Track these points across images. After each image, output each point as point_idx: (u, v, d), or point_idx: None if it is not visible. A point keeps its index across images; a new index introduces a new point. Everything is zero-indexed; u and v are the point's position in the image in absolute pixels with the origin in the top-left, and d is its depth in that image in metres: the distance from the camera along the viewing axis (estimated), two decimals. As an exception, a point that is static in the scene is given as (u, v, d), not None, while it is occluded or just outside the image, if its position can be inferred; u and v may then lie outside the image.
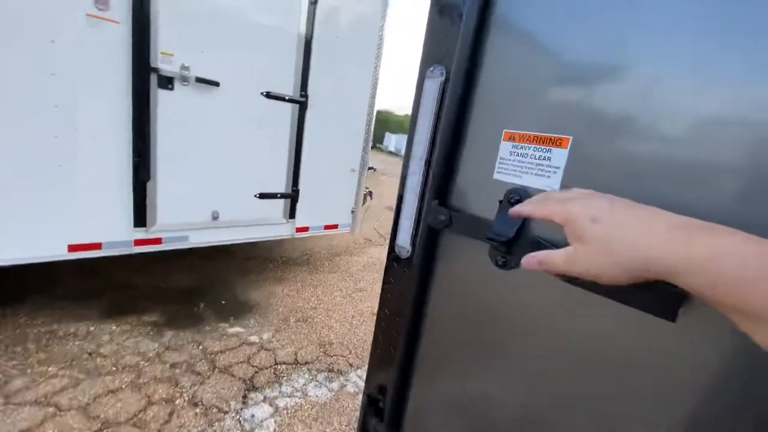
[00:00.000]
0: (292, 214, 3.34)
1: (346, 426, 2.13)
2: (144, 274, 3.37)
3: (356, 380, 2.52)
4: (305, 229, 3.46)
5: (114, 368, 2.25)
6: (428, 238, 0.80)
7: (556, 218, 0.42)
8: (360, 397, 2.35)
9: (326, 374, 2.52)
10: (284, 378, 2.42)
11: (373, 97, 3.57)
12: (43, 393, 1.98)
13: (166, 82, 2.39)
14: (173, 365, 2.36)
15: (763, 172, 0.42)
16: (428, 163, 0.81)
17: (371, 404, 0.97)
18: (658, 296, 0.47)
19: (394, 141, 42.94)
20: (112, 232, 2.41)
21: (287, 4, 2.85)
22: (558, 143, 0.59)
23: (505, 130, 0.66)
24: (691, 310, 0.45)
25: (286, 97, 3.00)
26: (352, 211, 3.94)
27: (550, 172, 0.61)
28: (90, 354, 2.33)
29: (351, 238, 5.40)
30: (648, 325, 0.50)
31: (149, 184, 2.48)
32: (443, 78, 0.77)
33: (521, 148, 0.64)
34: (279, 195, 3.21)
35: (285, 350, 2.70)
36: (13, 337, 2.34)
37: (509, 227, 0.64)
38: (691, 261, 0.29)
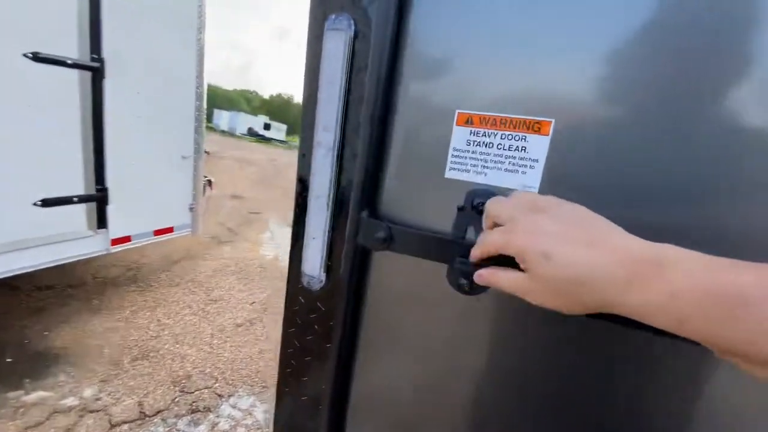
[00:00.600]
0: (102, 222, 2.47)
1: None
2: None
3: (230, 412, 2.11)
4: (126, 239, 2.64)
5: None
6: (356, 262, 0.57)
7: (508, 252, 0.36)
8: (240, 430, 1.98)
9: (189, 418, 2.01)
10: (128, 442, 1.82)
11: (200, 66, 2.91)
12: None
13: None
14: None
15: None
16: (339, 157, 0.57)
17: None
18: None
19: (227, 119, 38.58)
20: None
21: None
22: (536, 128, 0.45)
23: (458, 111, 0.48)
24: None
25: (69, 61, 2.11)
26: (191, 208, 3.24)
27: (525, 166, 0.47)
28: None
29: (192, 240, 4.54)
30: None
31: None
32: (351, 32, 0.53)
33: (483, 135, 0.48)
34: (76, 199, 2.31)
35: (123, 404, 2.03)
36: None
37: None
38: (653, 303, 0.28)
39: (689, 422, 0.46)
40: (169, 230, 2.94)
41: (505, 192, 0.47)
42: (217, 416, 2.07)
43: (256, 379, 2.43)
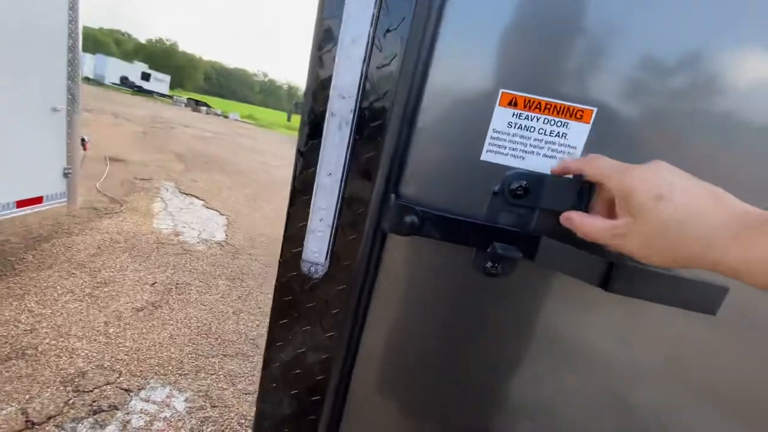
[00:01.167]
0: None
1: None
2: None
3: (143, 406, 1.86)
4: (-28, 212, 2.03)
5: None
6: (374, 247, 0.53)
7: (610, 184, 0.37)
8: (157, 425, 1.78)
9: (92, 420, 1.72)
10: (6, 462, 1.48)
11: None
12: None
13: None
14: None
15: None
16: (359, 130, 0.50)
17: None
18: (700, 292, 0.45)
19: (92, 63, 31.51)
20: None
21: None
22: (578, 116, 0.46)
23: (503, 91, 0.46)
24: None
25: None
26: (66, 173, 2.64)
27: (563, 153, 0.47)
28: None
29: (61, 212, 3.72)
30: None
31: None
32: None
33: (526, 118, 0.47)
34: None
35: (1, 414, 1.63)
36: None
37: (522, 220, 0.48)
38: (752, 264, 0.28)
39: None
40: (38, 201, 2.36)
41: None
42: (127, 413, 1.82)
43: (170, 367, 2.19)
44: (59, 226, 3.49)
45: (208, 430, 1.83)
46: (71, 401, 1.80)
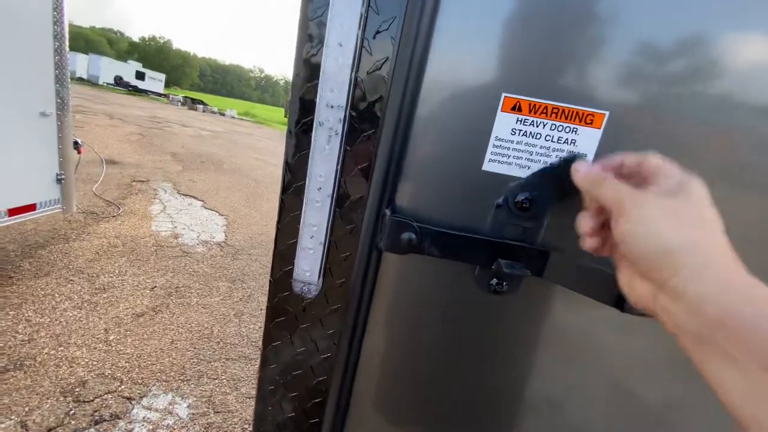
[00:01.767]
0: None
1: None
2: None
3: (146, 415, 1.85)
4: (-36, 222, 2.00)
5: None
6: (369, 264, 0.49)
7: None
8: (161, 434, 1.76)
9: (94, 430, 1.70)
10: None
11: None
12: None
13: None
14: None
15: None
16: (349, 141, 0.46)
17: None
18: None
19: (86, 64, 31.19)
20: None
21: None
22: (589, 120, 0.42)
23: (505, 95, 0.42)
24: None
25: None
26: (59, 179, 2.59)
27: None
28: None
29: (59, 218, 3.69)
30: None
31: None
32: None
33: (531, 124, 0.43)
34: None
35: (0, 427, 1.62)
36: None
37: (528, 234, 0.45)
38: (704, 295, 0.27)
39: None
40: (31, 208, 2.32)
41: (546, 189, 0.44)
42: (130, 422, 1.80)
43: (172, 373, 2.17)
44: (56, 231, 3.46)
45: (212, 436, 1.82)
46: (72, 412, 1.78)
